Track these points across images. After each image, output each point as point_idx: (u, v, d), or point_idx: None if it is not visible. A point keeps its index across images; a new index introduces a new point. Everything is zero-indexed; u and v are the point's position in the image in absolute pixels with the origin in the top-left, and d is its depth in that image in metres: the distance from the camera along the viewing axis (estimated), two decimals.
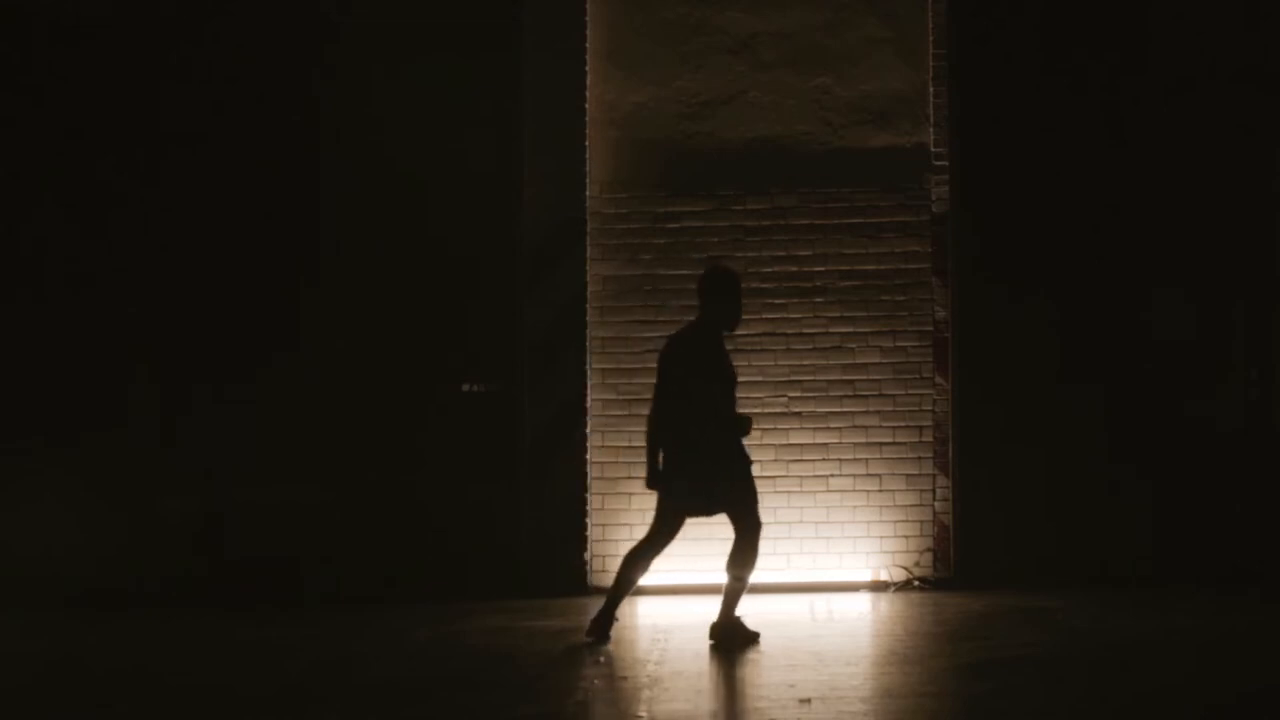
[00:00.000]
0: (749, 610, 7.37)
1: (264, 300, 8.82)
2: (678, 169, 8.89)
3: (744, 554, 7.18)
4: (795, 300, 8.84)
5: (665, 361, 7.27)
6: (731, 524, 7.22)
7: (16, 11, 8.88)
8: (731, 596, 7.21)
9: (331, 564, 8.65)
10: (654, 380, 7.31)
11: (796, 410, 8.80)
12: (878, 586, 8.68)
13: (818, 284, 8.85)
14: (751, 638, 7.21)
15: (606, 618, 7.30)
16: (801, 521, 8.75)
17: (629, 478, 8.69)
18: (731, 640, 7.15)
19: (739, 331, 8.73)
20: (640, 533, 8.40)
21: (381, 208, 8.84)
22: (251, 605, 8.45)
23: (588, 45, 8.88)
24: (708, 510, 7.24)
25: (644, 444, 7.28)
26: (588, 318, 8.81)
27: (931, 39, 8.84)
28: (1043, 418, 8.70)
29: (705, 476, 7.12)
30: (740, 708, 6.09)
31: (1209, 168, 8.79)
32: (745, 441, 7.24)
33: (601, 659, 6.96)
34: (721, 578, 7.26)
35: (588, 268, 8.82)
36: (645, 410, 7.41)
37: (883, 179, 8.84)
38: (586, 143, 8.85)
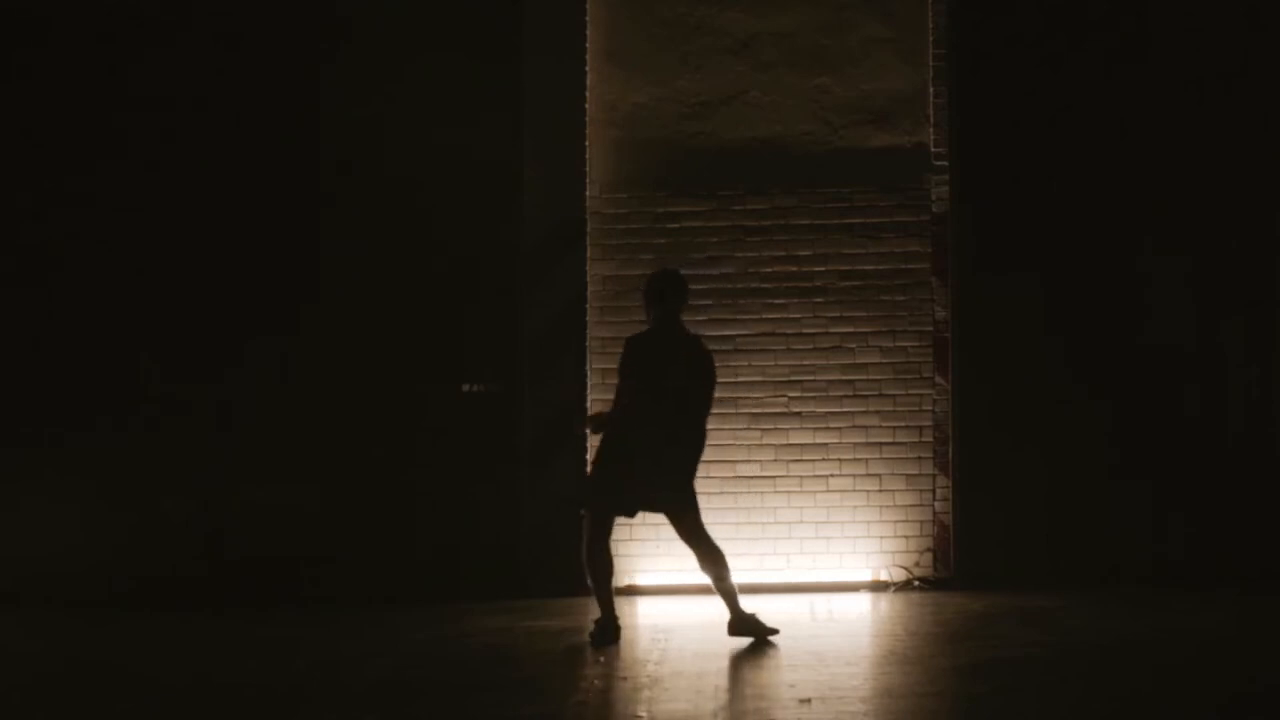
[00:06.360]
0: (748, 609, 7.36)
1: (264, 300, 8.80)
2: (678, 169, 8.88)
3: (706, 556, 7.23)
4: (795, 300, 8.84)
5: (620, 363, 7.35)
6: (674, 528, 7.27)
7: (22, 9, 8.88)
8: (726, 595, 7.25)
9: (331, 564, 8.65)
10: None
11: (796, 410, 8.80)
12: (878, 586, 8.68)
13: (818, 284, 8.85)
14: (769, 631, 7.22)
15: (610, 621, 7.25)
16: (801, 521, 8.75)
17: None
18: (752, 630, 7.20)
19: (738, 332, 8.77)
20: (640, 532, 8.47)
21: (381, 207, 8.83)
22: (251, 605, 8.45)
23: (588, 45, 8.88)
24: (629, 511, 7.29)
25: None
26: (588, 318, 8.81)
27: (931, 39, 8.85)
28: (1043, 418, 8.70)
29: (633, 477, 7.14)
30: (740, 708, 6.09)
31: (1210, 167, 8.77)
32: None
33: (601, 659, 6.95)
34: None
35: (588, 268, 8.82)
36: None
37: (882, 179, 8.84)
38: (586, 143, 8.85)
